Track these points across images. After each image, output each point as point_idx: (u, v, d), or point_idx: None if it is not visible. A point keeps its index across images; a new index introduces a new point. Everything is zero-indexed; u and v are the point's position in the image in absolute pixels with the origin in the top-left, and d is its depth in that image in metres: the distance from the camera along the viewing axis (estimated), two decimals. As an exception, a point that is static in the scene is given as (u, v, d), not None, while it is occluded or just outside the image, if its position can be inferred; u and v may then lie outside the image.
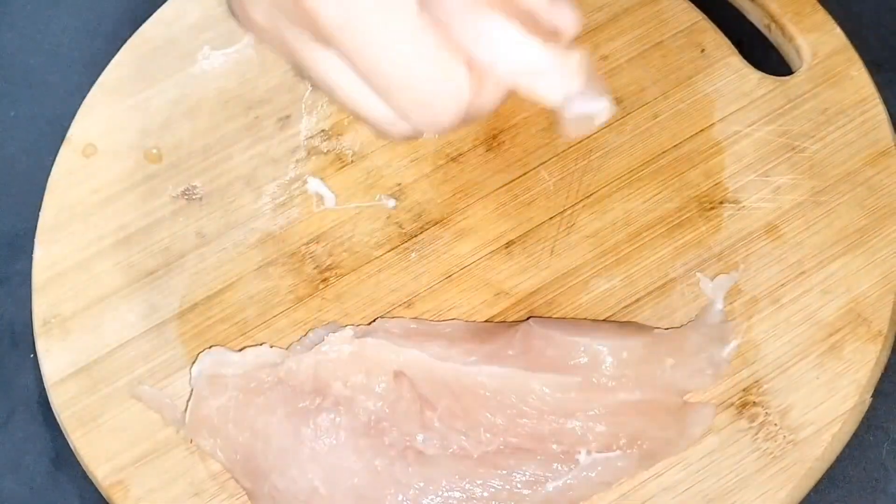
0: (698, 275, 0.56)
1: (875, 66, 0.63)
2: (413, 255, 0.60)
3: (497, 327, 0.56)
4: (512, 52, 0.42)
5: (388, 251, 0.60)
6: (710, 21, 0.65)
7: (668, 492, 0.52)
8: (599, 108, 0.43)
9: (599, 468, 0.51)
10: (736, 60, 0.63)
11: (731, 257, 0.58)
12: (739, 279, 0.57)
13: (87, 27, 0.73)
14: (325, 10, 0.41)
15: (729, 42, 0.64)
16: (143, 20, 0.68)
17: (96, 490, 0.56)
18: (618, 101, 0.63)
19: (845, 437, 0.54)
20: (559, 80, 0.43)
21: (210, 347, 0.57)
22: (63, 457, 0.58)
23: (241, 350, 0.56)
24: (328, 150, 0.63)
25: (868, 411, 0.55)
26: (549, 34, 0.42)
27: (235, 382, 0.54)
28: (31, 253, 0.61)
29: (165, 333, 0.58)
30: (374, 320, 0.57)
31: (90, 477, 0.56)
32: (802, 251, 0.58)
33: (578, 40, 0.65)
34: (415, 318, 0.57)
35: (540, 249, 0.59)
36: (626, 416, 0.52)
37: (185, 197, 0.63)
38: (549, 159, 0.62)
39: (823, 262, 0.57)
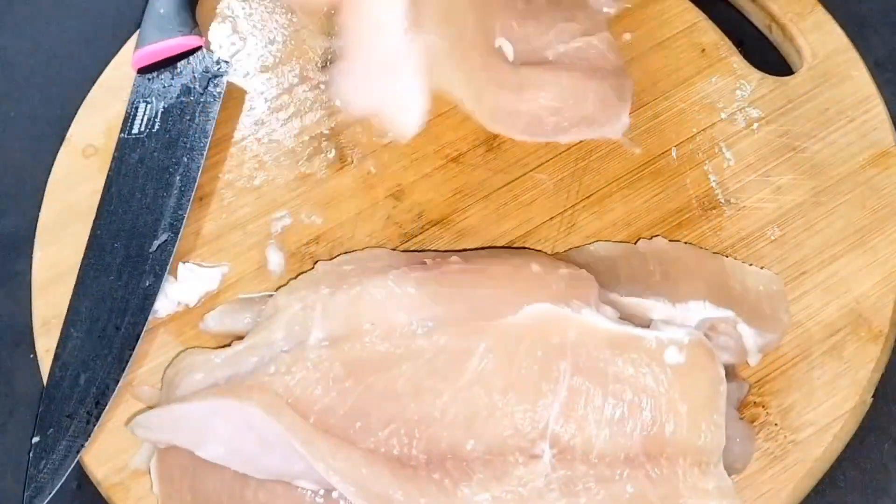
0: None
1: (876, 66, 0.63)
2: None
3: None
4: None
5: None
6: (710, 21, 0.65)
7: (669, 492, 0.52)
8: None
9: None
10: (736, 60, 0.63)
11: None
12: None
13: (87, 28, 0.73)
14: None
15: (729, 42, 0.64)
16: (144, 20, 0.68)
17: (96, 490, 0.56)
18: (618, 101, 0.63)
19: (846, 438, 0.54)
20: None
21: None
22: (63, 457, 0.58)
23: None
24: (329, 151, 0.63)
25: (868, 411, 0.54)
26: None
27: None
28: (31, 253, 0.61)
29: (165, 334, 0.58)
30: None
31: (90, 477, 0.56)
32: (803, 251, 0.57)
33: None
34: None
35: (540, 249, 0.59)
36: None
37: (186, 197, 0.63)
38: (549, 159, 0.62)
39: (824, 263, 0.57)
